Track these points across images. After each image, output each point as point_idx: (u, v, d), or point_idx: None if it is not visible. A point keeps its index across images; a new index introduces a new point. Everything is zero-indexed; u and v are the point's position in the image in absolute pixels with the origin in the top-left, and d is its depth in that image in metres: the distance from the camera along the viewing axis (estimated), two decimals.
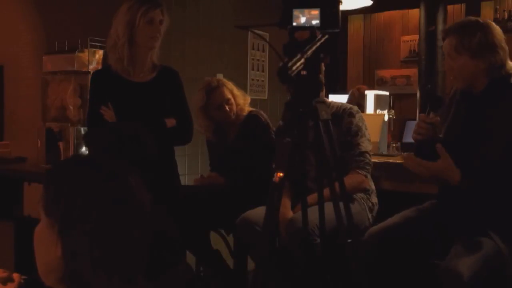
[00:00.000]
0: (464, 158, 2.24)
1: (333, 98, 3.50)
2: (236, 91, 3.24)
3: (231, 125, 3.26)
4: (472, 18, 2.28)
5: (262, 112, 3.33)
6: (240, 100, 3.24)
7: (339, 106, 2.86)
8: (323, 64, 2.77)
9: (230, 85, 3.24)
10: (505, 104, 2.19)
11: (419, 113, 4.17)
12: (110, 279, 1.04)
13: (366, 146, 2.79)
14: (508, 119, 2.16)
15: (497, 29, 2.21)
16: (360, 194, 2.80)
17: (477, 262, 2.07)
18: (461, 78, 2.24)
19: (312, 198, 2.36)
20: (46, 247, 1.06)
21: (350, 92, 4.79)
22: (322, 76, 2.75)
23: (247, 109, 3.28)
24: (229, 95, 3.19)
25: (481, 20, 2.24)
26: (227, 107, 3.17)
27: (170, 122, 2.70)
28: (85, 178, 1.06)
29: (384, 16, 6.82)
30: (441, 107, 2.30)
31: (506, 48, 2.21)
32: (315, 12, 1.97)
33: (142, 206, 1.08)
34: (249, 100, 3.33)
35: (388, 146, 3.73)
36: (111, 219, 1.04)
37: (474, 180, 2.14)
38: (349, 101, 4.38)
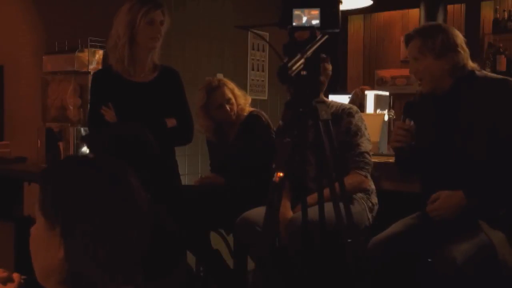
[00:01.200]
0: (444, 159, 2.29)
1: (333, 98, 3.49)
2: (237, 91, 3.24)
3: (232, 125, 3.26)
4: (433, 22, 2.36)
5: (263, 113, 3.33)
6: (241, 100, 3.24)
7: (339, 106, 2.86)
8: (330, 64, 2.83)
9: (231, 85, 3.24)
10: (478, 97, 2.24)
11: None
12: (113, 279, 1.04)
13: (366, 146, 2.79)
14: (485, 112, 2.21)
15: (457, 32, 2.31)
16: (360, 194, 2.80)
17: (470, 249, 2.11)
18: (427, 79, 2.30)
19: (312, 198, 2.36)
20: (46, 250, 1.05)
21: (353, 92, 4.79)
22: (329, 76, 2.81)
23: (248, 109, 3.28)
24: (230, 95, 3.19)
25: (441, 24, 2.36)
26: (227, 107, 3.17)
27: (171, 122, 2.70)
28: (84, 179, 1.05)
29: (384, 16, 6.81)
30: (415, 113, 2.33)
31: (467, 50, 2.29)
32: (315, 12, 1.97)
33: (142, 206, 1.08)
34: (249, 100, 3.32)
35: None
36: (112, 219, 1.04)
37: (478, 192, 2.20)
38: (352, 101, 4.38)
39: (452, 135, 2.28)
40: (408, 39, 2.32)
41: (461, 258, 2.05)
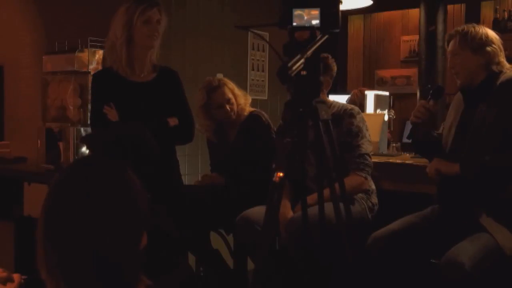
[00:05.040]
0: (457, 153, 2.37)
1: (332, 98, 3.50)
2: (237, 90, 3.24)
3: (232, 125, 3.26)
4: (473, 23, 2.50)
5: (263, 113, 3.32)
6: (241, 100, 3.23)
7: (340, 107, 2.86)
8: (335, 65, 2.85)
9: (231, 84, 3.24)
10: (495, 95, 2.34)
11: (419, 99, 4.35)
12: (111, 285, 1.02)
13: (367, 147, 2.79)
14: (497, 113, 2.29)
15: (495, 33, 2.45)
16: (360, 194, 2.80)
17: (478, 253, 2.12)
18: (463, 72, 2.41)
19: (311, 198, 2.36)
20: None
21: (352, 92, 4.79)
22: (333, 76, 2.84)
23: (248, 109, 3.27)
24: (230, 95, 3.18)
25: (481, 25, 2.49)
26: (228, 107, 3.16)
27: (173, 121, 2.71)
28: (83, 184, 1.04)
29: (384, 16, 6.82)
30: (441, 97, 2.54)
31: (503, 50, 2.43)
32: (315, 12, 1.97)
33: (141, 207, 1.06)
34: (250, 100, 3.32)
35: (389, 144, 3.74)
36: (110, 223, 1.02)
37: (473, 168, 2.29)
38: (350, 102, 4.38)
39: (466, 129, 2.38)
40: (450, 37, 2.47)
41: (469, 263, 2.06)
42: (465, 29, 2.42)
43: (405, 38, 6.66)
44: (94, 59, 3.74)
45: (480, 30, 2.40)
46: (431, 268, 2.35)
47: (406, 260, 2.36)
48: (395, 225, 2.44)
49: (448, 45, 2.48)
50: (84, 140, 3.47)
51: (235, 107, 3.19)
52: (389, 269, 2.35)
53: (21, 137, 4.46)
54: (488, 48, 2.37)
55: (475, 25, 2.46)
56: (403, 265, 2.36)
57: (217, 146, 3.34)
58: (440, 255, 2.20)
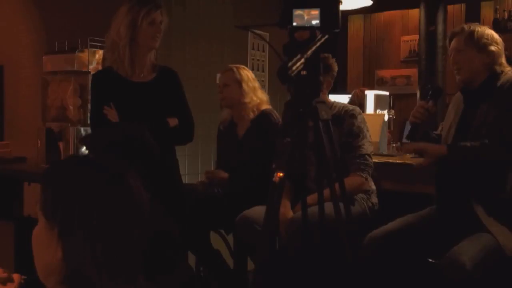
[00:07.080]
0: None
1: (332, 98, 3.50)
2: (247, 87, 3.16)
3: (243, 120, 3.23)
4: (478, 24, 2.52)
5: (275, 111, 3.29)
6: (249, 98, 3.18)
7: (341, 107, 2.86)
8: (336, 65, 2.85)
9: (245, 77, 3.20)
10: (496, 96, 2.34)
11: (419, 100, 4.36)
12: (113, 280, 1.03)
13: (367, 148, 2.79)
14: (498, 113, 2.30)
15: (498, 37, 2.47)
16: (360, 194, 2.80)
17: (479, 253, 2.13)
18: (465, 69, 2.41)
19: (312, 198, 2.36)
20: (46, 249, 1.05)
21: (353, 92, 4.80)
22: (334, 76, 2.84)
23: (262, 107, 3.24)
24: (230, 82, 3.17)
25: (485, 25, 2.52)
26: (221, 92, 3.21)
27: (173, 121, 2.71)
28: (84, 180, 1.05)
29: (384, 16, 6.82)
30: (440, 97, 2.54)
31: (503, 51, 2.45)
32: (315, 12, 1.97)
33: (142, 206, 1.08)
34: (265, 99, 3.28)
35: (388, 143, 3.74)
36: (111, 221, 1.03)
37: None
38: (351, 102, 4.38)
39: (466, 128, 2.38)
40: (453, 34, 2.47)
41: (470, 264, 2.06)
42: (471, 27, 2.42)
43: (405, 38, 6.66)
44: (94, 59, 3.74)
45: (486, 30, 2.41)
46: (427, 268, 2.36)
47: (403, 259, 2.36)
48: (391, 225, 2.44)
49: (449, 41, 2.48)
50: (84, 140, 3.47)
51: (230, 96, 3.17)
52: (385, 269, 2.35)
53: (21, 137, 4.46)
54: (493, 48, 2.38)
55: (479, 24, 2.46)
56: (399, 264, 2.36)
57: (226, 141, 3.32)
58: (437, 255, 2.20)
